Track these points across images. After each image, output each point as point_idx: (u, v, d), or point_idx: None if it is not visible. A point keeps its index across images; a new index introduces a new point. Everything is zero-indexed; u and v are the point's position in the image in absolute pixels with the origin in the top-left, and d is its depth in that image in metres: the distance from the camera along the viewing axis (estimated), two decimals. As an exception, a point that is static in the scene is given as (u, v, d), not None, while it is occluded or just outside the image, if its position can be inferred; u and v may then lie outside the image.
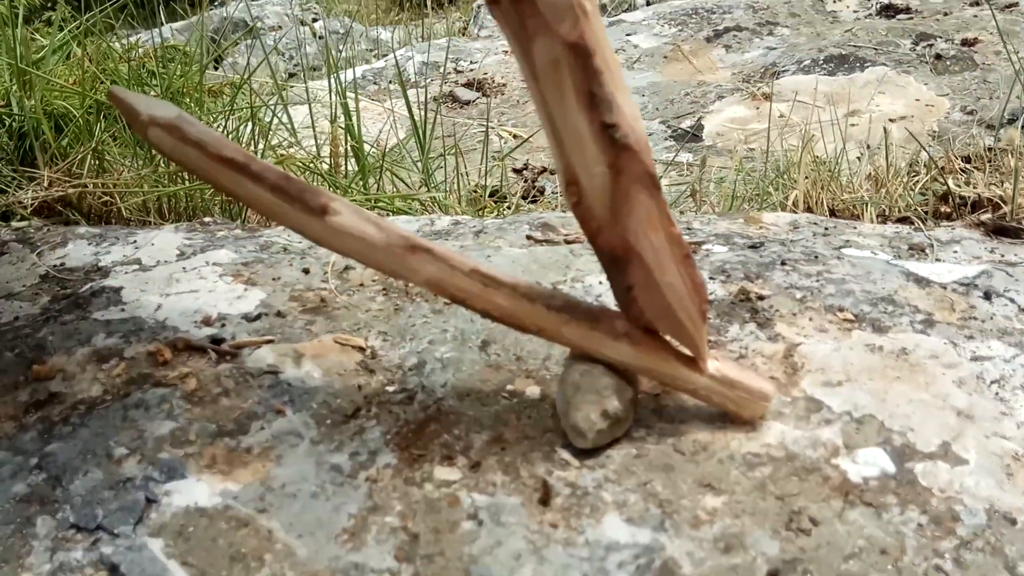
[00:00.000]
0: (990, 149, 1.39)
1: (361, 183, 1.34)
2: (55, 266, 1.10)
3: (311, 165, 1.36)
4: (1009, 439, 0.72)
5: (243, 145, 1.42)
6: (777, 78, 1.86)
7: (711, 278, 0.94)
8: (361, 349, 0.85)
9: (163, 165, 1.28)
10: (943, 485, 0.68)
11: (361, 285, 0.96)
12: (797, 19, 2.17)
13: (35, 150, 1.27)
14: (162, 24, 2.22)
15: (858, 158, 1.48)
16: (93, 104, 1.34)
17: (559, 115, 0.66)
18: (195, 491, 0.70)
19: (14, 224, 1.25)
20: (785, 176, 1.30)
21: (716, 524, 0.65)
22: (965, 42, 1.94)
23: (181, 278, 0.99)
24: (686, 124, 1.79)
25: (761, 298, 0.90)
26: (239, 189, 0.74)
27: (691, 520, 0.65)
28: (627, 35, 2.27)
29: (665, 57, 2.11)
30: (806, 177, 1.26)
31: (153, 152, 1.29)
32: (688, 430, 0.73)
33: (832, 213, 1.23)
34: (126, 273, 1.03)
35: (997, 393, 0.77)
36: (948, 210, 1.20)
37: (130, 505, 0.69)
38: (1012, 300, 0.88)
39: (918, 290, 0.90)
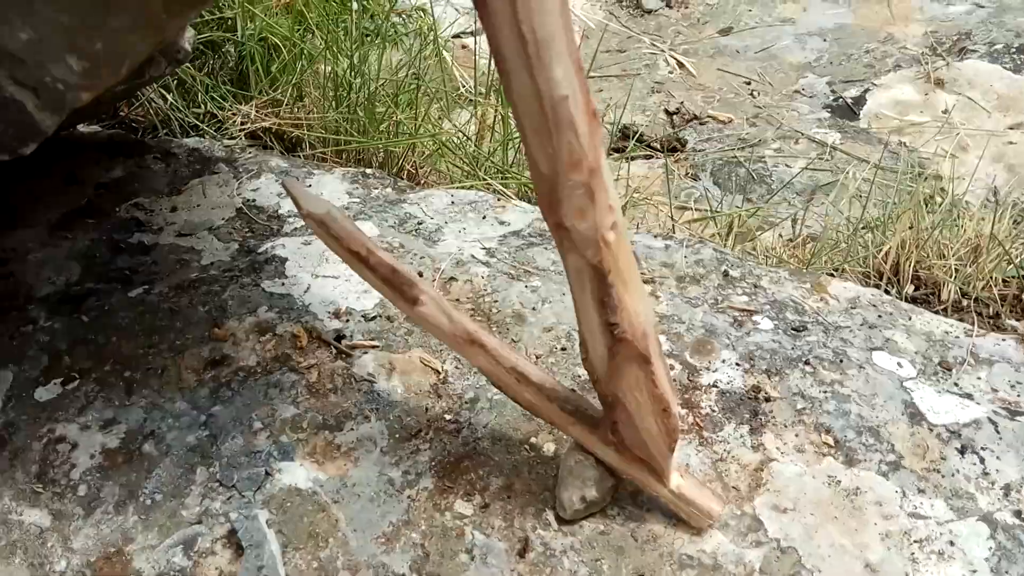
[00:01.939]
0: None
1: (501, 153, 1.52)
2: (248, 200, 1.41)
3: (460, 143, 1.54)
4: (893, 600, 0.91)
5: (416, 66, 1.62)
6: (961, 58, 1.82)
7: (737, 364, 1.12)
8: (437, 372, 1.12)
9: (345, 111, 1.52)
10: (816, 627, 0.89)
11: (458, 300, 1.21)
12: (1025, -27, 2.04)
13: (250, 75, 1.54)
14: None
15: (987, 201, 1.52)
16: (299, 31, 1.58)
17: (580, 304, 0.86)
18: (297, 474, 1.02)
19: (225, 141, 1.55)
20: (888, 223, 1.39)
21: (631, 610, 0.90)
22: None
23: (330, 256, 1.27)
24: (851, 93, 1.82)
25: (768, 399, 1.08)
26: (362, 275, 0.98)
27: (614, 602, 0.91)
28: (841, -49, 2.20)
29: (866, -6, 2.06)
30: (907, 228, 1.35)
31: (339, 95, 1.53)
32: (649, 520, 0.97)
33: (916, 278, 1.33)
34: (292, 237, 1.32)
35: (913, 553, 0.94)
36: (1025, 301, 1.28)
37: (254, 475, 1.02)
38: (982, 460, 1.02)
39: (906, 427, 1.05)
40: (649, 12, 2.05)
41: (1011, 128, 1.65)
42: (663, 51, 1.96)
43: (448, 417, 1.07)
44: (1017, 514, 0.98)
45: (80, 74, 0.79)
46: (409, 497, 0.99)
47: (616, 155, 1.75)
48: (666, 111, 1.83)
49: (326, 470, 1.02)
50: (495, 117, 1.50)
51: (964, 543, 0.95)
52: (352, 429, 1.06)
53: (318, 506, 0.99)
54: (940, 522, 0.97)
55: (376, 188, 1.44)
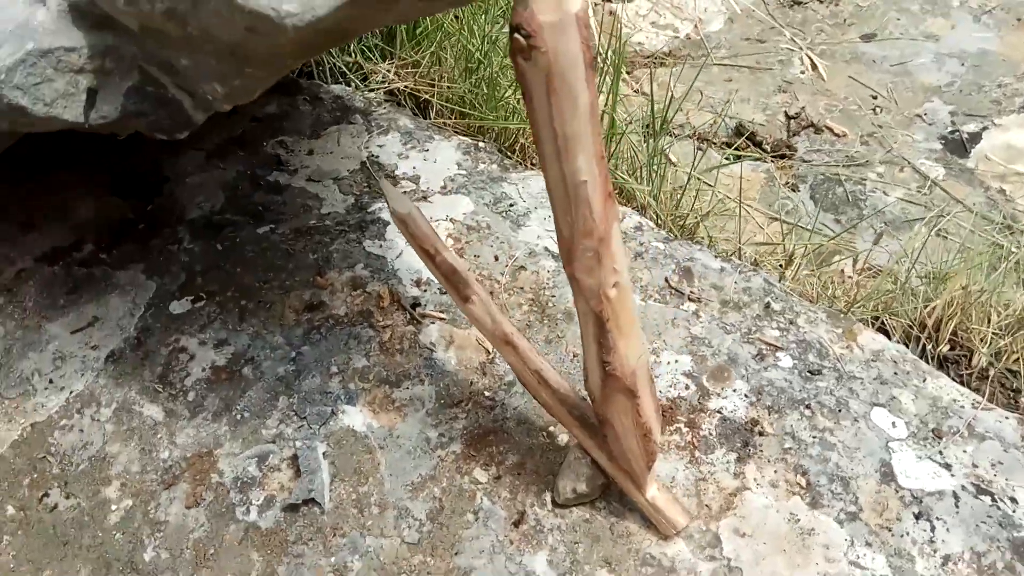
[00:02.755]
0: None
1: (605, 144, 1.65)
2: (372, 156, 1.61)
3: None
4: (810, 631, 1.08)
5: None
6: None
7: (746, 395, 1.27)
8: (487, 352, 1.31)
9: (471, 85, 1.69)
10: (736, 638, 1.07)
11: (521, 288, 1.39)
12: None
13: (397, 33, 1.72)
14: None
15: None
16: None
17: (584, 340, 1.03)
18: (356, 418, 1.25)
19: (366, 93, 1.74)
20: (944, 281, 1.46)
21: (589, 590, 1.10)
22: None
23: (426, 228, 1.46)
24: (969, 128, 1.83)
25: (762, 433, 1.23)
26: (429, 268, 1.18)
27: (578, 580, 1.11)
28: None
29: (1019, 20, 2.01)
30: (959, 288, 1.43)
31: (470, 68, 1.69)
32: (627, 518, 1.15)
33: (953, 337, 1.42)
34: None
35: (841, 595, 1.10)
36: (1055, 379, 1.35)
37: (323, 412, 1.26)
38: (933, 529, 1.15)
39: (875, 484, 1.18)
40: (798, 3, 2.08)
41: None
42: (800, 48, 2.00)
43: (487, 394, 1.27)
44: (950, 584, 1.11)
45: (222, 95, 1.00)
46: (439, 457, 1.21)
47: (726, 150, 1.86)
48: (786, 114, 1.89)
49: (379, 419, 1.25)
50: (608, 99, 1.62)
51: (892, 598, 1.10)
52: (407, 388, 1.28)
53: (366, 448, 1.22)
54: (874, 575, 1.11)
55: (483, 162, 1.61)
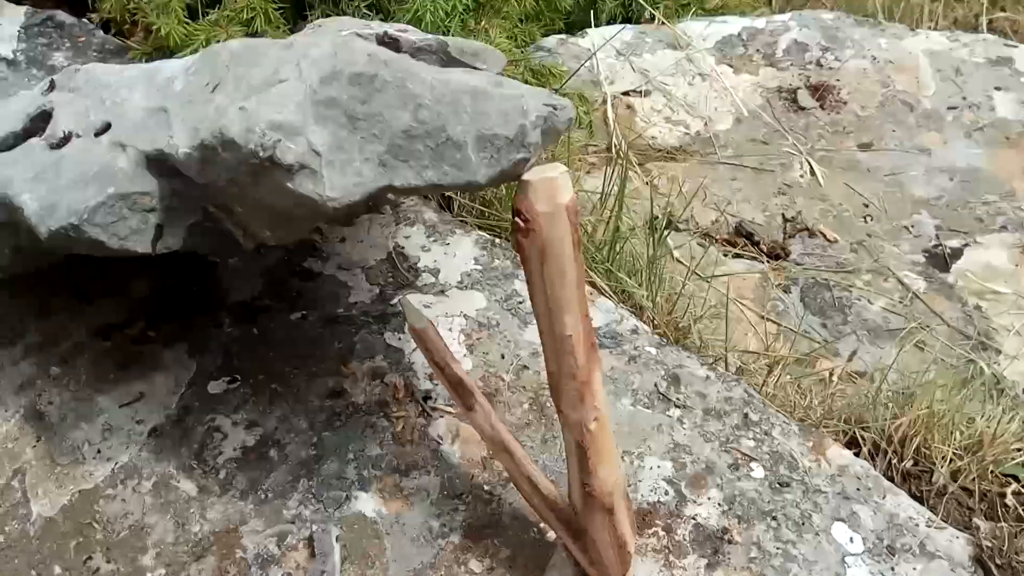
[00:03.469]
0: None
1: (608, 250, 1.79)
2: (398, 246, 1.77)
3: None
4: None
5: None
6: (1073, 240, 1.91)
7: (721, 504, 1.41)
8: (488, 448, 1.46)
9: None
10: None
11: (523, 387, 1.54)
12: None
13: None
14: None
15: (1019, 395, 1.67)
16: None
17: (568, 462, 1.18)
18: (367, 504, 1.40)
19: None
20: (913, 398, 1.59)
21: None
22: None
23: (440, 323, 1.62)
24: (952, 243, 1.95)
25: (731, 542, 1.37)
26: (438, 378, 1.33)
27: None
28: (996, 87, 2.25)
29: (1008, 138, 2.13)
30: (924, 408, 1.56)
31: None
32: (602, 613, 1.29)
33: (916, 454, 1.55)
34: (421, 294, 1.67)
35: None
36: (1009, 503, 1.48)
37: (338, 497, 1.41)
38: (876, 641, 1.28)
39: (828, 596, 1.32)
40: (802, 109, 2.21)
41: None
42: (801, 153, 2.13)
43: (486, 488, 1.42)
44: None
45: (270, 237, 1.16)
46: (440, 546, 1.36)
47: (726, 247, 2.00)
48: (783, 216, 2.03)
49: (388, 506, 1.40)
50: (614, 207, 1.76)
51: None
52: (415, 478, 1.43)
53: (375, 533, 1.37)
54: None
55: (499, 259, 1.76)
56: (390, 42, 1.24)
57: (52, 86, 1.33)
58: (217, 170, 1.01)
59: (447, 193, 1.87)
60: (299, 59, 1.00)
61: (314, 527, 1.37)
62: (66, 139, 1.19)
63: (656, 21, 2.47)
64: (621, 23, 2.53)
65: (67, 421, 1.49)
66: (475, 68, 1.29)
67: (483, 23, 2.08)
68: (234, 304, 1.65)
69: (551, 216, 0.99)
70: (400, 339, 1.60)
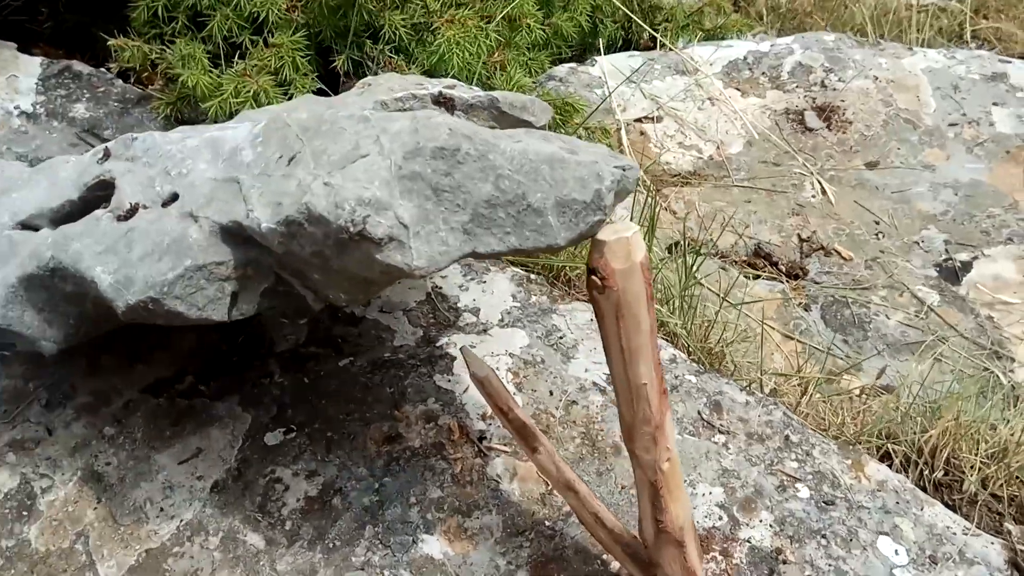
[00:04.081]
0: None
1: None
2: (436, 287, 1.81)
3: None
4: None
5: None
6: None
7: (772, 525, 1.47)
8: (546, 483, 1.51)
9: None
10: None
11: (573, 422, 1.59)
12: None
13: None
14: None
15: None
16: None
17: (640, 501, 1.23)
18: (433, 546, 1.44)
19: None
20: (941, 411, 1.66)
21: None
22: None
23: (487, 362, 1.66)
24: (961, 257, 2.04)
25: (785, 562, 1.43)
26: (503, 423, 1.37)
27: None
28: (994, 103, 2.34)
29: (1008, 152, 2.22)
30: (952, 419, 1.63)
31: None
32: (672, 641, 1.35)
33: (946, 464, 1.62)
34: (464, 334, 1.71)
35: None
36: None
37: (405, 541, 1.45)
38: (933, 652, 1.35)
39: (884, 611, 1.38)
40: (809, 130, 2.28)
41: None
42: (812, 173, 2.20)
43: (547, 524, 1.46)
44: None
45: (344, 300, 1.20)
46: (508, 582, 1.40)
47: (746, 269, 2.06)
48: (799, 236, 2.10)
49: (454, 547, 1.44)
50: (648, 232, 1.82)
51: None
52: (478, 518, 1.47)
53: (444, 574, 1.41)
54: None
55: (535, 295, 1.81)
56: (445, 101, 1.29)
57: (107, 154, 1.36)
58: (301, 243, 1.05)
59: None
60: (378, 134, 1.04)
61: (385, 573, 1.40)
62: (133, 211, 1.22)
63: (659, 45, 2.53)
64: (621, 46, 2.59)
65: (126, 481, 1.51)
66: (527, 122, 1.34)
67: (496, 55, 2.12)
68: (281, 353, 1.68)
69: (626, 273, 1.04)
70: (450, 380, 1.64)
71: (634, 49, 2.66)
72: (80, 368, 1.65)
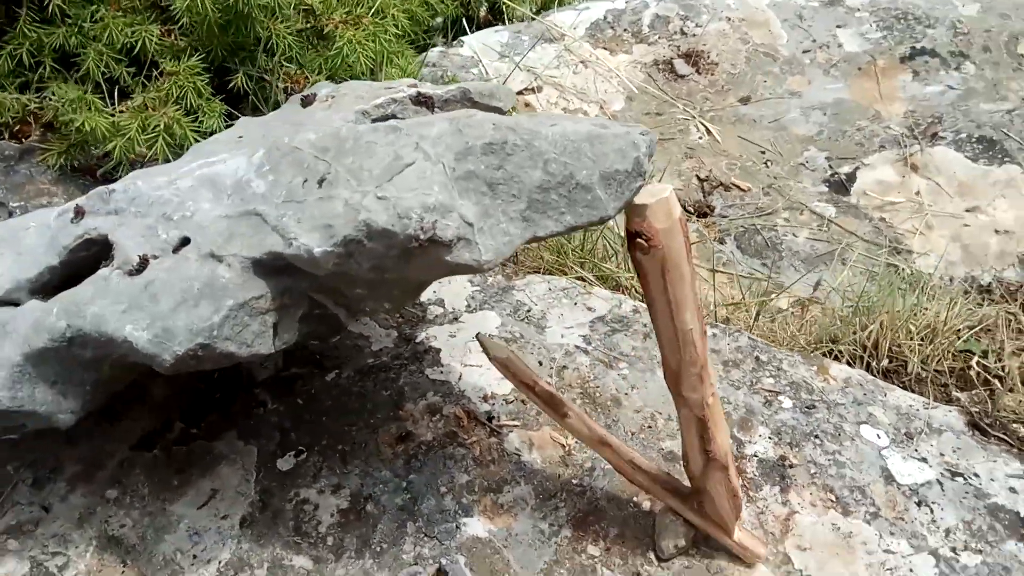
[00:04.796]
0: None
1: (581, 241, 1.94)
2: (393, 288, 1.83)
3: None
4: (875, 612, 1.42)
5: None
6: (932, 144, 2.26)
7: (771, 437, 1.61)
8: (563, 446, 1.59)
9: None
10: (826, 631, 1.40)
11: (569, 386, 1.67)
12: (986, 56, 2.45)
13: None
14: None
15: (946, 282, 1.99)
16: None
17: (687, 437, 1.33)
18: (477, 526, 1.49)
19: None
20: (872, 308, 1.86)
21: (709, 622, 1.40)
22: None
23: (473, 347, 1.71)
24: (844, 170, 2.26)
25: (791, 466, 1.57)
26: (528, 397, 1.44)
27: (699, 617, 1.41)
28: (837, 25, 2.60)
29: (859, 69, 2.47)
30: (885, 313, 1.83)
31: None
32: (717, 557, 1.46)
33: (889, 353, 1.82)
34: (437, 326, 1.76)
35: (886, 578, 1.45)
36: (972, 374, 1.78)
37: (449, 528, 1.49)
38: (931, 511, 1.53)
39: (883, 487, 1.55)
40: (682, 77, 2.44)
41: (967, 211, 2.12)
42: (694, 117, 2.37)
43: (575, 482, 1.54)
44: (952, 549, 1.48)
45: (389, 308, 1.23)
46: (556, 543, 1.47)
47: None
48: (697, 177, 2.26)
49: (495, 523, 1.49)
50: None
51: (919, 570, 1.46)
52: (509, 491, 1.53)
53: (494, 550, 1.47)
54: (904, 556, 1.47)
55: (490, 275, 1.87)
56: (425, 100, 1.33)
57: (80, 212, 1.31)
58: (359, 261, 1.07)
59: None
60: (416, 141, 1.08)
61: (442, 560, 1.44)
62: (144, 263, 1.19)
63: (506, 15, 2.62)
64: (460, 25, 2.66)
65: (148, 538, 1.47)
66: (497, 108, 1.40)
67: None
68: (265, 381, 1.67)
69: (669, 231, 1.13)
70: (442, 372, 1.68)
71: (475, 26, 2.74)
72: (58, 439, 1.58)
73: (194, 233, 1.21)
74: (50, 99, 1.93)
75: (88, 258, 1.29)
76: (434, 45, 2.60)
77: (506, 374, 1.42)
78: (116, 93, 1.98)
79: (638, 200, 1.14)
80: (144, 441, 1.59)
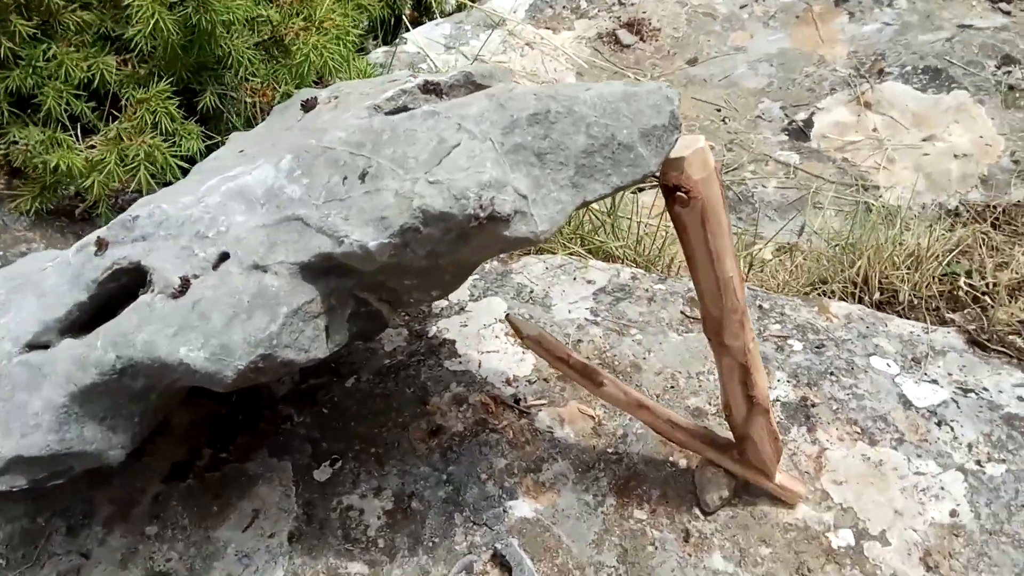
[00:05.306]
0: (1004, 211, 1.99)
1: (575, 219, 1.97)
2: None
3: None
4: (917, 532, 1.48)
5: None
6: (881, 80, 2.34)
7: (788, 380, 1.66)
8: (592, 418, 1.61)
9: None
10: (875, 557, 1.46)
11: (588, 358, 1.69)
12: (917, -10, 2.55)
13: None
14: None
15: (917, 209, 2.07)
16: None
17: (728, 385, 1.37)
18: (523, 508, 1.51)
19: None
20: (856, 246, 1.92)
21: (764, 565, 1.45)
22: (1040, 70, 2.35)
23: (485, 335, 1.72)
24: (800, 117, 2.33)
25: (813, 405, 1.62)
26: (563, 371, 1.46)
27: (752, 561, 1.45)
28: (769, -22, 2.67)
29: (797, 17, 2.54)
30: (870, 248, 1.89)
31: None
32: (759, 503, 1.50)
33: (880, 285, 1.88)
34: (445, 318, 1.76)
35: (920, 499, 1.51)
36: (960, 294, 1.85)
37: (497, 513, 1.50)
38: (952, 429, 1.59)
39: (902, 413, 1.61)
40: (627, 47, 2.48)
41: (924, 140, 2.20)
42: (642, 80, 2.40)
43: (610, 451, 1.57)
44: (978, 462, 1.55)
45: (435, 296, 1.24)
46: (602, 512, 1.50)
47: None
48: (659, 142, 2.29)
49: (540, 502, 1.51)
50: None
51: (949, 487, 1.52)
52: (548, 469, 1.55)
53: (544, 528, 1.49)
54: (933, 475, 1.54)
55: (487, 262, 1.88)
56: (433, 87, 1.34)
57: (103, 244, 1.29)
58: (415, 248, 1.07)
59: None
60: (459, 121, 1.08)
61: (496, 545, 1.46)
62: (186, 284, 1.18)
63: (436, 9, 2.63)
64: (395, 22, 2.66)
65: (196, 568, 1.46)
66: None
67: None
68: (286, 396, 1.66)
69: (707, 181, 1.15)
70: (460, 362, 1.69)
71: (403, 26, 2.73)
72: (86, 484, 1.55)
73: (232, 247, 1.19)
74: (14, 144, 1.87)
75: (118, 288, 1.27)
76: (365, 48, 2.59)
77: (539, 351, 1.44)
78: (79, 130, 1.93)
79: (674, 154, 1.16)
80: (175, 472, 1.57)
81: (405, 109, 1.27)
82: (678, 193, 1.15)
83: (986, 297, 1.82)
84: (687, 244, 1.22)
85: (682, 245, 1.23)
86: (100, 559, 1.47)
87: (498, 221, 1.04)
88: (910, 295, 1.87)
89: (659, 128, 1.13)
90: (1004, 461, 1.54)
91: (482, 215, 1.03)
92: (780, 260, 1.99)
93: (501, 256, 1.90)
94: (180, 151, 1.82)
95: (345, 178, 1.13)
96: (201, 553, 1.47)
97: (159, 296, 1.18)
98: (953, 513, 1.48)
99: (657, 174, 1.18)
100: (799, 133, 2.28)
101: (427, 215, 1.05)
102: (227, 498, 1.53)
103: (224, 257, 1.19)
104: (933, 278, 1.89)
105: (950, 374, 1.68)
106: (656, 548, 1.46)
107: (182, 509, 1.52)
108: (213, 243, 1.20)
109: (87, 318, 1.28)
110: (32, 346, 1.27)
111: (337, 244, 1.11)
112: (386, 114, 1.25)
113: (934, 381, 1.67)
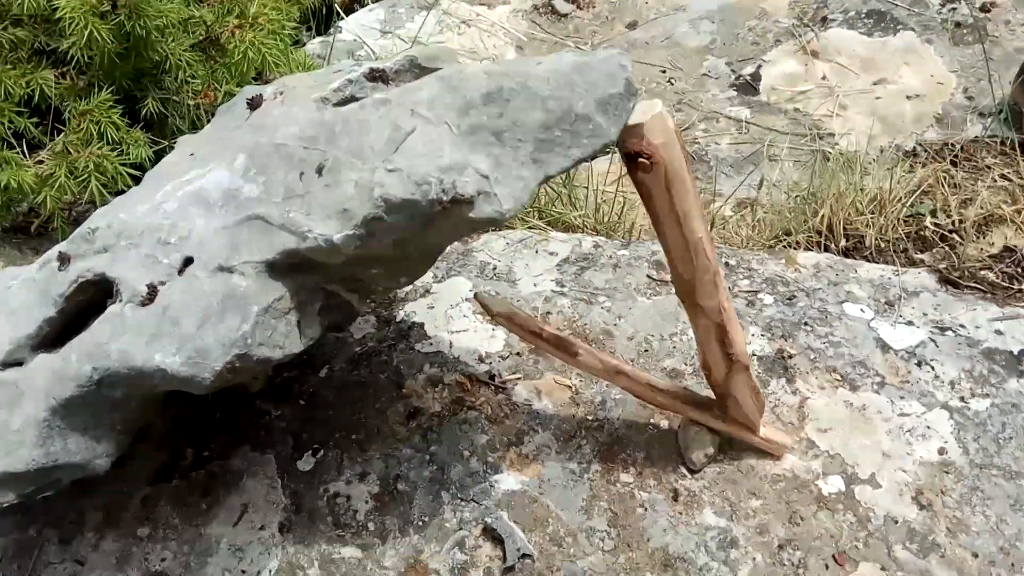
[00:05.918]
0: (963, 148, 2.00)
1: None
2: (362, 273, 1.82)
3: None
4: (907, 472, 1.50)
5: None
6: (825, 28, 2.34)
7: (763, 334, 1.67)
8: (569, 387, 1.61)
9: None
10: (867, 500, 1.47)
11: (559, 329, 1.69)
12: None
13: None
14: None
15: (874, 153, 2.08)
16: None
17: (706, 345, 1.37)
18: (509, 481, 1.51)
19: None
20: (817, 195, 1.93)
21: (756, 517, 1.46)
22: (983, 7, 2.35)
23: (453, 315, 1.72)
24: (748, 71, 2.33)
25: (790, 357, 1.63)
26: (537, 345, 1.45)
27: (744, 514, 1.46)
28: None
29: (734, -28, 2.54)
30: (832, 196, 1.90)
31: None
32: (745, 457, 1.51)
33: (845, 232, 1.89)
34: (410, 302, 1.75)
35: (908, 440, 1.53)
36: (927, 234, 1.87)
37: (484, 488, 1.50)
38: (932, 368, 1.61)
39: (881, 356, 1.63)
40: (565, 16, 2.47)
41: (875, 84, 2.20)
42: (584, 49, 2.39)
43: (590, 418, 1.57)
44: (961, 399, 1.57)
45: (403, 283, 1.23)
46: (588, 479, 1.50)
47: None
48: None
49: (525, 474, 1.51)
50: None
51: (935, 425, 1.54)
52: (530, 441, 1.55)
53: (532, 499, 1.49)
54: (918, 415, 1.55)
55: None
56: (379, 74, 1.32)
57: (65, 259, 1.27)
58: (380, 238, 1.06)
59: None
60: (411, 107, 1.07)
61: (486, 520, 1.46)
62: (153, 291, 1.16)
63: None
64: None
65: (191, 565, 1.45)
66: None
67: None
68: (262, 392, 1.65)
69: (668, 144, 1.15)
70: (431, 344, 1.68)
71: (336, 14, 2.70)
72: (73, 494, 1.53)
73: (195, 251, 1.18)
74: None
75: (85, 301, 1.26)
76: (300, 41, 2.56)
77: (511, 327, 1.44)
78: (25, 146, 1.90)
79: (632, 120, 1.16)
80: (160, 474, 1.55)
81: (354, 99, 1.26)
82: (640, 159, 1.15)
83: (954, 235, 1.83)
84: (653, 209, 1.22)
85: (648, 210, 1.23)
86: (96, 564, 1.46)
87: (462, 203, 1.03)
88: (877, 239, 1.88)
89: (615, 96, 1.13)
90: (988, 396, 1.56)
91: (445, 199, 1.02)
92: (742, 216, 2.00)
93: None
94: (129, 159, 1.80)
95: (302, 173, 1.12)
96: (195, 550, 1.46)
97: (128, 305, 1.17)
98: (941, 451, 1.50)
99: (617, 142, 1.17)
100: (747, 87, 2.28)
101: (389, 203, 1.04)
102: (215, 495, 1.52)
103: (188, 261, 1.18)
104: (898, 220, 1.90)
105: (925, 314, 1.70)
106: (646, 509, 1.46)
107: (171, 509, 1.51)
108: (176, 249, 1.18)
109: (57, 333, 1.27)
110: (6, 364, 1.25)
111: (301, 240, 1.10)
112: (335, 105, 1.24)
113: (910, 322, 1.68)
